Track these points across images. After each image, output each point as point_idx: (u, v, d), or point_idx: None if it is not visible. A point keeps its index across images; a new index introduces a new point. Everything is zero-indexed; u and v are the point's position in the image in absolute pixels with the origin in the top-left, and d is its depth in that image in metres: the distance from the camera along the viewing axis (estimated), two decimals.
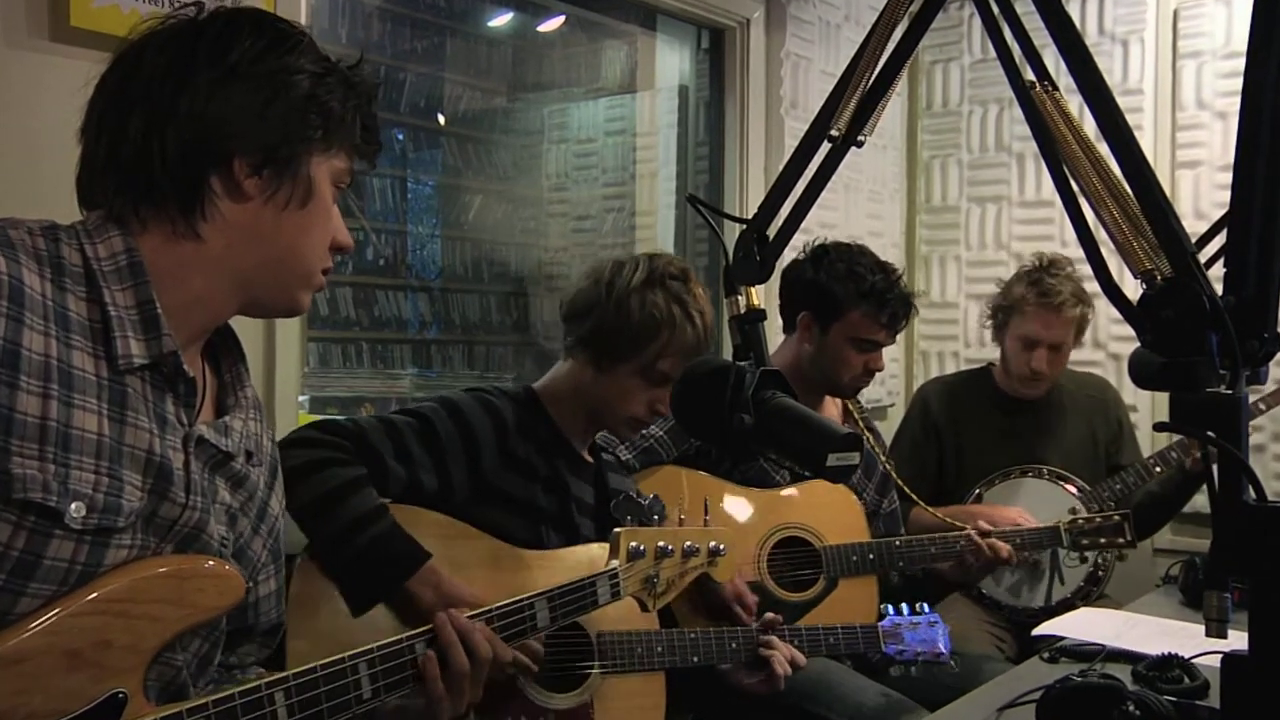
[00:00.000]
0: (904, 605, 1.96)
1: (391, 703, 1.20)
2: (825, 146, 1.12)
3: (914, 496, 2.47)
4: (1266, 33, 0.81)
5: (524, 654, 1.39)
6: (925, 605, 1.97)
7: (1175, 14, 3.18)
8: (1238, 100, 0.81)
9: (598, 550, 1.64)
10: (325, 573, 1.42)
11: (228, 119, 1.00)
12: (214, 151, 1.01)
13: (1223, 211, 0.83)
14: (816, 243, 2.32)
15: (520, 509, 1.64)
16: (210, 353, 1.11)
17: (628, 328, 1.66)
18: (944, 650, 1.94)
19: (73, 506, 0.91)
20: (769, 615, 1.82)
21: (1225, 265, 0.82)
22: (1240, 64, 0.80)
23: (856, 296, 2.19)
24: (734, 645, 1.73)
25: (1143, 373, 0.86)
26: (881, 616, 1.96)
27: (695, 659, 1.70)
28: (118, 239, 1.00)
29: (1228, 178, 0.83)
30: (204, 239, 1.02)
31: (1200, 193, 3.13)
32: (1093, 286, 2.62)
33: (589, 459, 1.79)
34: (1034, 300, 2.58)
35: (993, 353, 2.84)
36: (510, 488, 1.63)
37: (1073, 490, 2.60)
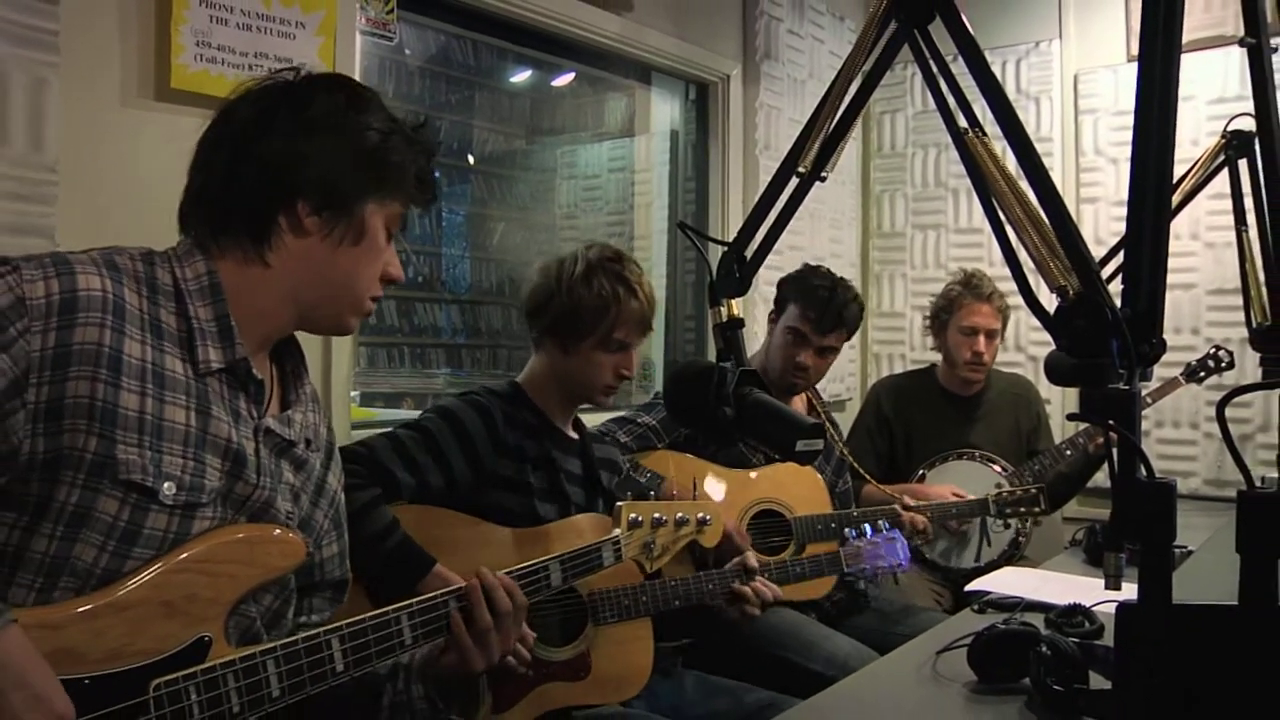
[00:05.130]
0: (866, 526, 1.93)
1: (444, 661, 1.17)
2: (794, 181, 1.13)
3: (866, 475, 2.48)
4: (1147, 102, 0.83)
5: (516, 653, 1.30)
6: (885, 523, 1.93)
7: (1075, 79, 3.27)
8: (1127, 149, 0.82)
9: (587, 520, 1.64)
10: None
11: (297, 165, 1.00)
12: (282, 192, 1.01)
13: (1118, 239, 0.85)
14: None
15: (517, 488, 1.62)
16: (275, 356, 1.11)
17: (583, 312, 1.64)
18: (903, 561, 1.88)
19: (165, 486, 0.92)
20: (747, 557, 1.78)
21: (1122, 283, 0.83)
22: (1127, 120, 0.83)
23: (796, 294, 2.24)
24: (710, 587, 1.71)
25: (1057, 372, 0.87)
26: (843, 541, 1.93)
27: (677, 602, 1.68)
28: (201, 263, 1.00)
29: (1122, 211, 0.85)
30: (270, 266, 1.02)
31: (1099, 223, 3.20)
32: (1016, 299, 2.65)
33: (573, 435, 1.76)
34: (969, 296, 2.66)
35: (934, 355, 2.85)
36: (506, 472, 1.61)
37: (999, 470, 2.62)
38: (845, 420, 2.95)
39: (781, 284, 2.31)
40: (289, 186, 1.01)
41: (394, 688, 1.17)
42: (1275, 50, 1.25)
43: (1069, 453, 2.59)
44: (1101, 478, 2.70)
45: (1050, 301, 0.86)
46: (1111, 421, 0.79)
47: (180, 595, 0.93)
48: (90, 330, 0.90)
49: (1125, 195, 0.83)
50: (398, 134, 1.06)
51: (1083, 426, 2.57)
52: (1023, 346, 3.31)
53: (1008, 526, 2.56)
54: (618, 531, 1.42)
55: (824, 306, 2.20)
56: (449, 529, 1.53)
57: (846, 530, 1.94)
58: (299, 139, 1.01)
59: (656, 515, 1.46)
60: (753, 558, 1.77)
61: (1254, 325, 1.89)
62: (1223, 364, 2.65)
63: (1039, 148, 0.92)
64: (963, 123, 0.96)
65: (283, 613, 1.07)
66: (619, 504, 1.45)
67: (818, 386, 2.54)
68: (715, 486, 2.13)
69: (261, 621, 1.03)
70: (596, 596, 1.62)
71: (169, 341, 0.96)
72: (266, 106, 1.02)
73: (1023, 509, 2.39)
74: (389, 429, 1.61)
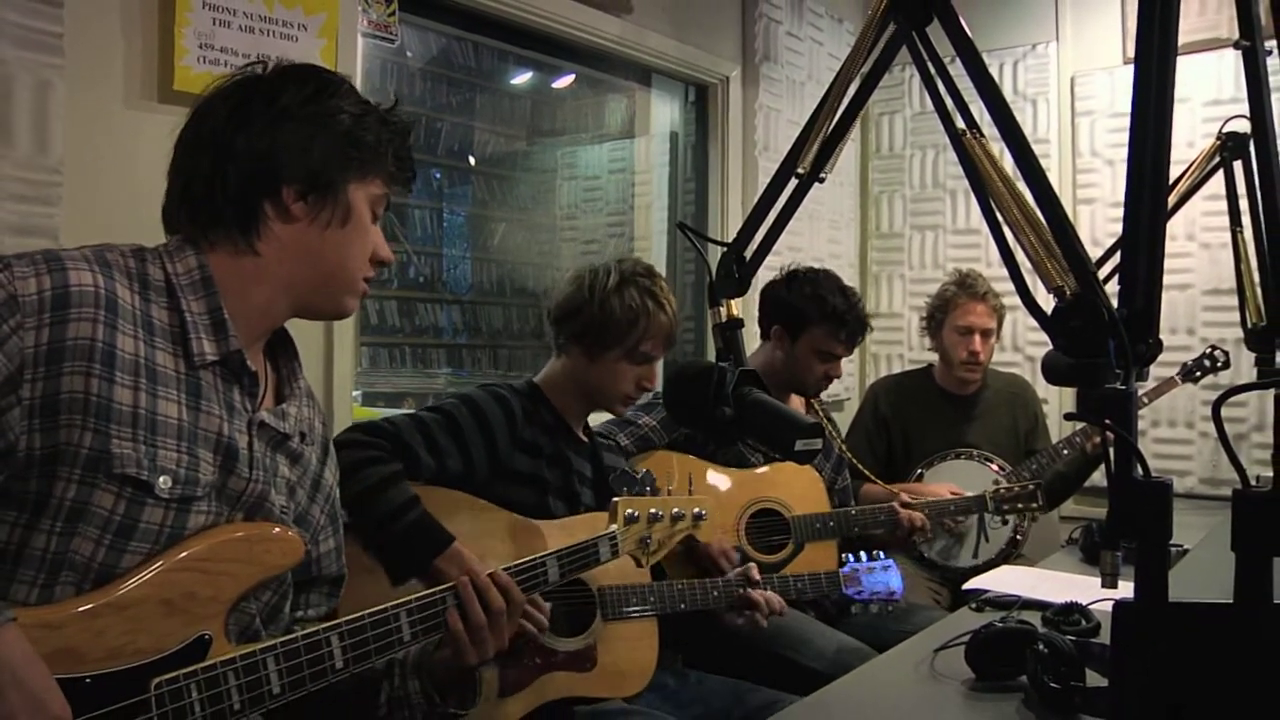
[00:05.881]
0: (863, 553, 1.93)
1: (439, 655, 1.17)
2: (793, 183, 1.13)
3: (867, 473, 2.47)
4: (1143, 104, 0.82)
5: (533, 618, 1.35)
6: (881, 552, 1.94)
7: (1072, 81, 3.27)
8: (1124, 150, 0.82)
9: (597, 518, 1.63)
10: (365, 552, 1.40)
11: (278, 154, 1.01)
12: (266, 181, 1.01)
13: (1114, 240, 0.85)
14: (790, 266, 2.32)
15: (530, 482, 1.63)
16: (270, 351, 1.11)
17: (613, 322, 1.66)
18: (898, 591, 1.90)
19: (161, 479, 0.92)
20: (749, 564, 1.79)
21: (1119, 283, 0.83)
22: (1124, 121, 0.82)
23: (820, 316, 2.20)
24: (715, 594, 1.72)
25: (1054, 372, 0.87)
26: (842, 564, 1.94)
27: (682, 605, 1.69)
28: (192, 257, 1.00)
29: (1118, 213, 0.84)
30: (261, 255, 1.02)
31: (1096, 224, 3.20)
32: (1014, 300, 2.65)
33: (585, 439, 1.78)
34: (964, 295, 2.67)
35: (931, 356, 2.85)
36: (521, 466, 1.63)
37: (996, 469, 2.61)
38: (844, 420, 2.94)
39: (792, 298, 2.22)
40: (271, 176, 1.01)
41: (391, 684, 1.16)
42: (1270, 53, 1.25)
43: (1066, 452, 2.59)
44: (1098, 477, 2.70)
45: (1047, 302, 0.86)
46: (1108, 421, 0.79)
47: (180, 594, 0.93)
48: (84, 325, 0.90)
49: (1122, 196, 0.83)
50: (370, 115, 1.06)
51: (1080, 426, 2.57)
52: (1020, 347, 3.31)
53: (1005, 523, 2.56)
54: (614, 527, 1.42)
55: (854, 326, 2.22)
56: (455, 512, 1.53)
57: (843, 554, 1.95)
58: (275, 129, 1.01)
59: (653, 511, 1.46)
60: (755, 570, 1.77)
61: (1249, 325, 1.89)
62: (1218, 363, 2.65)
63: (1036, 149, 0.92)
64: (960, 124, 0.95)
65: (280, 607, 1.07)
66: (615, 500, 1.44)
67: None
68: (714, 485, 2.12)
69: (260, 618, 1.03)
70: (606, 592, 1.63)
71: (160, 337, 0.96)
72: (240, 102, 1.02)
73: (1020, 505, 2.39)
74: (411, 410, 1.60)
